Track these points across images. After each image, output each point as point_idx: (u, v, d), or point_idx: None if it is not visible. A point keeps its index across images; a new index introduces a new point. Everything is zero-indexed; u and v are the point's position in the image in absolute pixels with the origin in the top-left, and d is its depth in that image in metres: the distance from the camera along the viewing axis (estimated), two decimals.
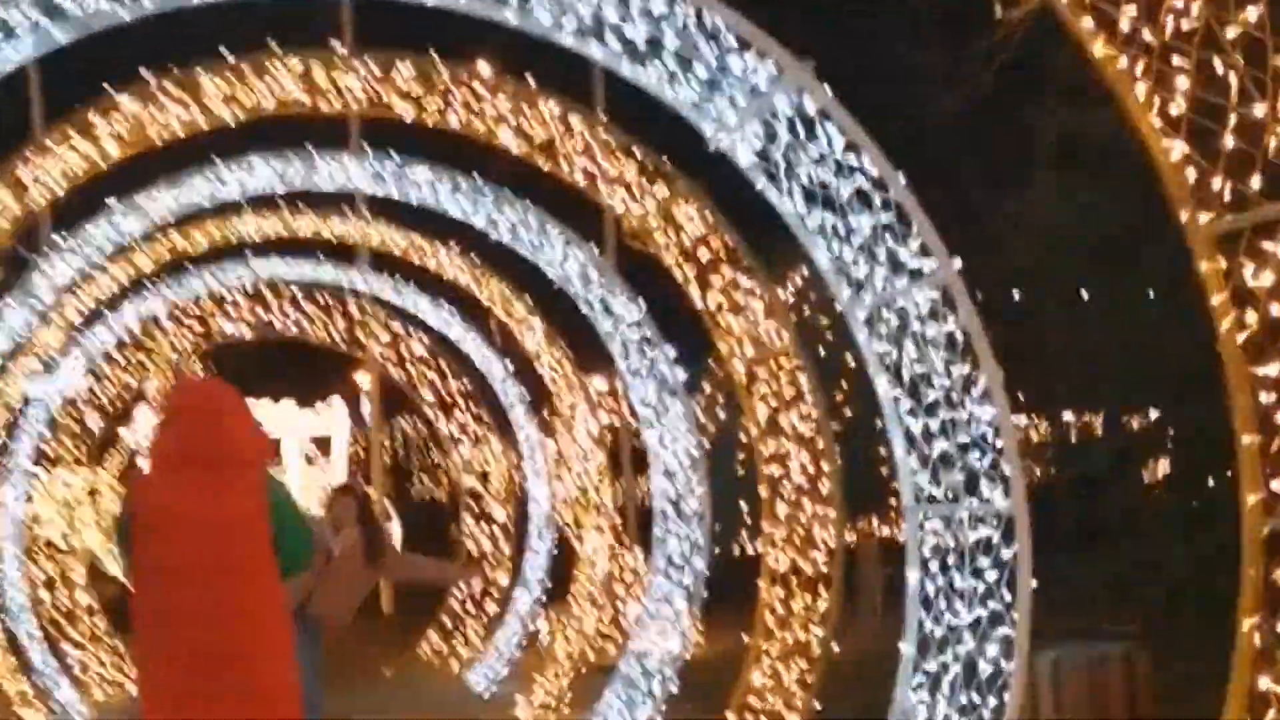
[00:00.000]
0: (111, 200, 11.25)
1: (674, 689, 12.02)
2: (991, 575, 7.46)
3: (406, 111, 9.81)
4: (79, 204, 11.20)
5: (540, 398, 16.61)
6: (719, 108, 7.79)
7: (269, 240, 14.93)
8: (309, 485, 34.81)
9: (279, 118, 10.21)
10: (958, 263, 7.35)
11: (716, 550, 18.58)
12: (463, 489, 19.15)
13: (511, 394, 16.88)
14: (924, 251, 7.42)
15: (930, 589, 7.94)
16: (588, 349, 14.13)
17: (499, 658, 16.76)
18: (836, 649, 9.98)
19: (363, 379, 34.70)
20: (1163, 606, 13.15)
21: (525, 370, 16.34)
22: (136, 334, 17.89)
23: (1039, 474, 24.34)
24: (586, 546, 15.17)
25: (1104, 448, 20.19)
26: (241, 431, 6.77)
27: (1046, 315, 15.72)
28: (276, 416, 35.33)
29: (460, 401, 18.66)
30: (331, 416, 34.69)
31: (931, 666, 7.89)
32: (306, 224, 14.28)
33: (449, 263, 14.60)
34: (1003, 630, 7.41)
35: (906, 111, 15.94)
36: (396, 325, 18.81)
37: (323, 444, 34.89)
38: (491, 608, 18.33)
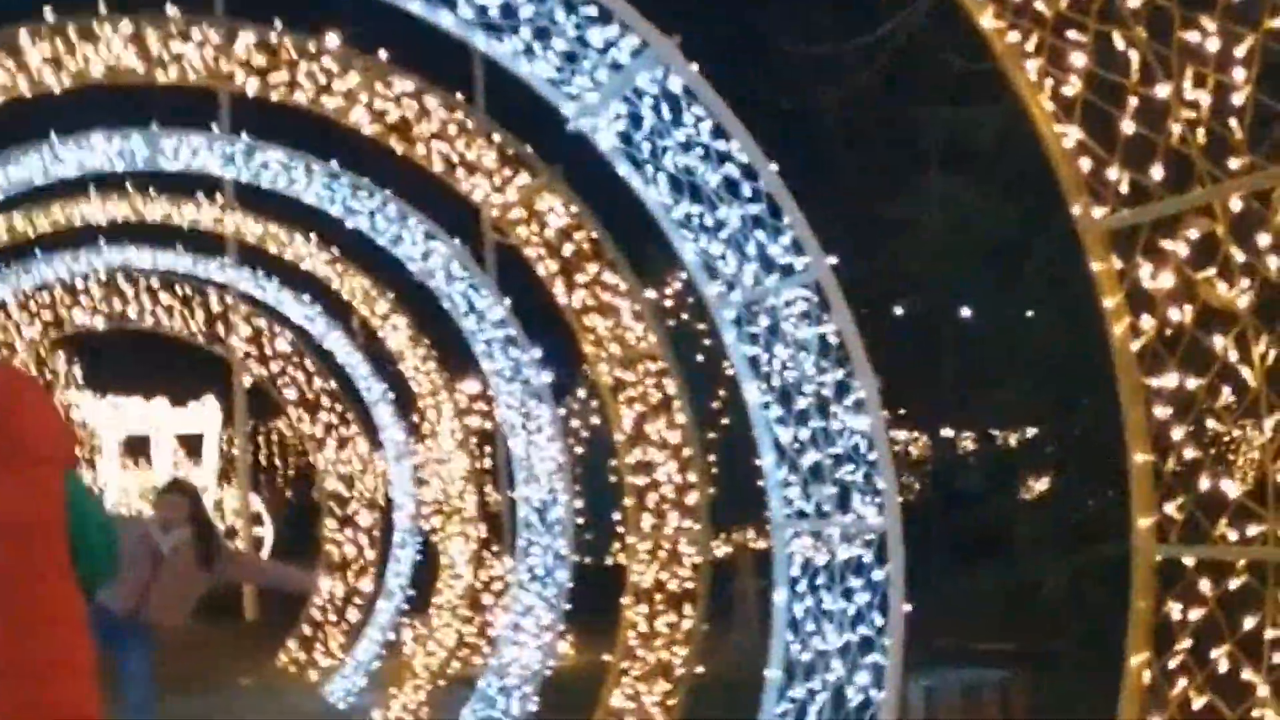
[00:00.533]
0: None
1: (533, 707, 11.37)
2: (863, 597, 6.91)
3: (250, 85, 9.08)
4: None
5: (407, 399, 15.87)
6: (579, 85, 7.17)
7: (123, 226, 14.09)
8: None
9: (126, 88, 9.45)
10: (832, 260, 6.80)
11: (589, 560, 18.01)
12: (326, 492, 18.32)
13: (375, 394, 16.15)
14: (796, 247, 6.86)
15: (798, 610, 7.38)
16: (458, 349, 13.42)
17: (357, 668, 16.00)
18: (701, 670, 9.40)
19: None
20: (1040, 627, 12.73)
21: (391, 370, 15.61)
22: None
23: (918, 488, 23.98)
24: (451, 555, 14.46)
25: (983, 461, 19.80)
26: (33, 424, 6.02)
27: (929, 322, 15.27)
28: (146, 413, 34.35)
29: (324, 401, 17.87)
30: (203, 414, 33.67)
31: (798, 693, 7.33)
32: (159, 209, 13.44)
33: (308, 255, 13.84)
34: (873, 657, 6.86)
35: (784, 102, 15.37)
36: (261, 320, 18.01)
37: (194, 442, 33.84)
38: (355, 616, 17.56)
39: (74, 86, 8.98)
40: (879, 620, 6.79)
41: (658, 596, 9.38)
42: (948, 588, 13.86)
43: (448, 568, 14.49)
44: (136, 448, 34.22)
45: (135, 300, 17.56)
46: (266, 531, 31.50)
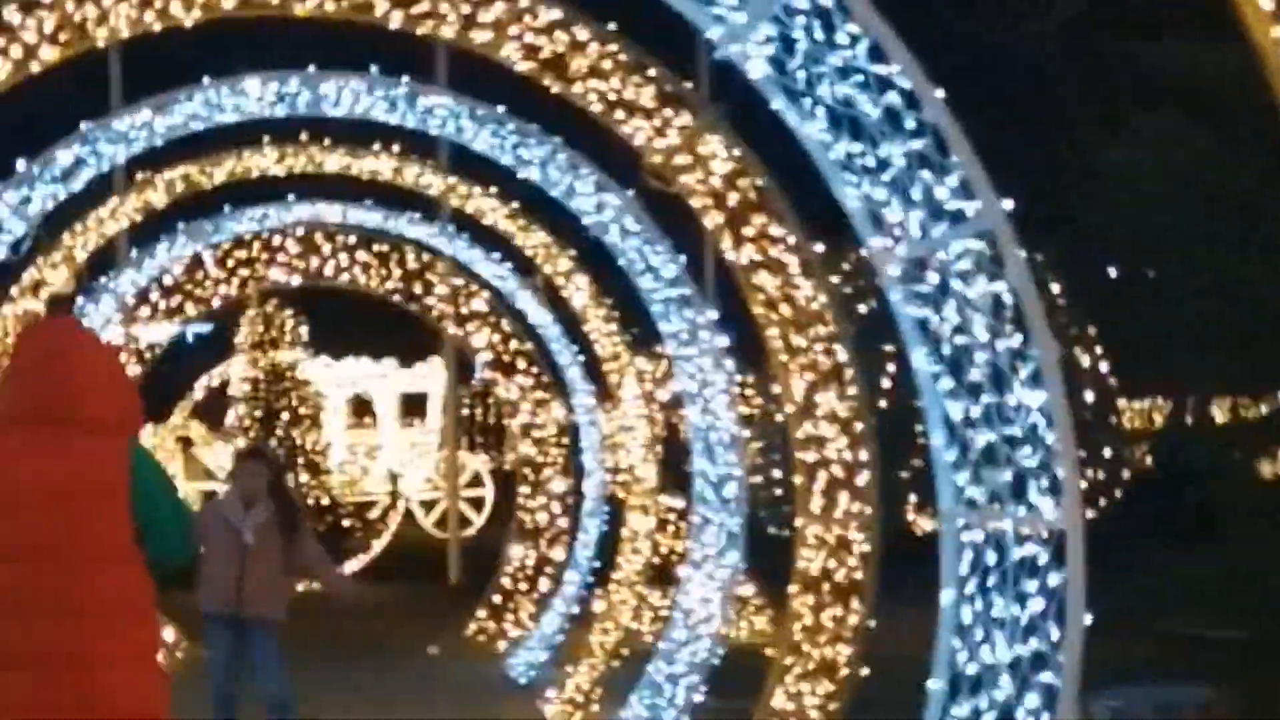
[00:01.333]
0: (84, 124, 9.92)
1: (700, 697, 10.56)
2: (1037, 604, 5.88)
3: (393, 18, 8.37)
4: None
5: (596, 363, 15.10)
6: (723, 3, 6.26)
7: (313, 179, 13.63)
8: (403, 447, 33.72)
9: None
10: (1008, 205, 5.76)
11: (786, 531, 17.08)
12: (520, 457, 17.76)
13: (566, 358, 15.45)
14: (966, 190, 5.84)
15: (966, 614, 6.38)
16: (641, 311, 12.57)
17: (540, 641, 15.38)
18: (867, 670, 8.42)
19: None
20: (1271, 617, 11.42)
21: (579, 331, 14.85)
22: (175, 279, 16.75)
23: (1135, 464, 22.40)
24: (633, 527, 13.69)
25: (1212, 435, 18.26)
26: (99, 386, 5.38)
27: (1145, 282, 13.88)
28: (372, 373, 34.26)
29: (519, 363, 17.27)
30: (428, 375, 33.45)
31: (962, 711, 6.34)
32: (336, 160, 12.93)
33: (490, 209, 13.18)
34: (1047, 675, 5.83)
35: (974, 32, 14.06)
36: (458, 279, 17.53)
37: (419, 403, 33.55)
38: (547, 585, 16.92)
39: (206, 20, 8.39)
40: (1055, 633, 5.75)
41: (825, 586, 8.43)
42: (1170, 568, 12.58)
43: (630, 540, 13.72)
44: (361, 409, 34.23)
45: (332, 257, 17.21)
46: (487, 492, 31.07)
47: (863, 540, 8.11)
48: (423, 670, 15.54)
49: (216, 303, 17.09)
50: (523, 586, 17.17)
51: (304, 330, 27.47)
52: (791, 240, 8.19)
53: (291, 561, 9.49)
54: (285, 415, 26.56)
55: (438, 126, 10.74)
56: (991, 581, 6.17)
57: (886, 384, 16.04)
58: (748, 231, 8.41)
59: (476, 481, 31.68)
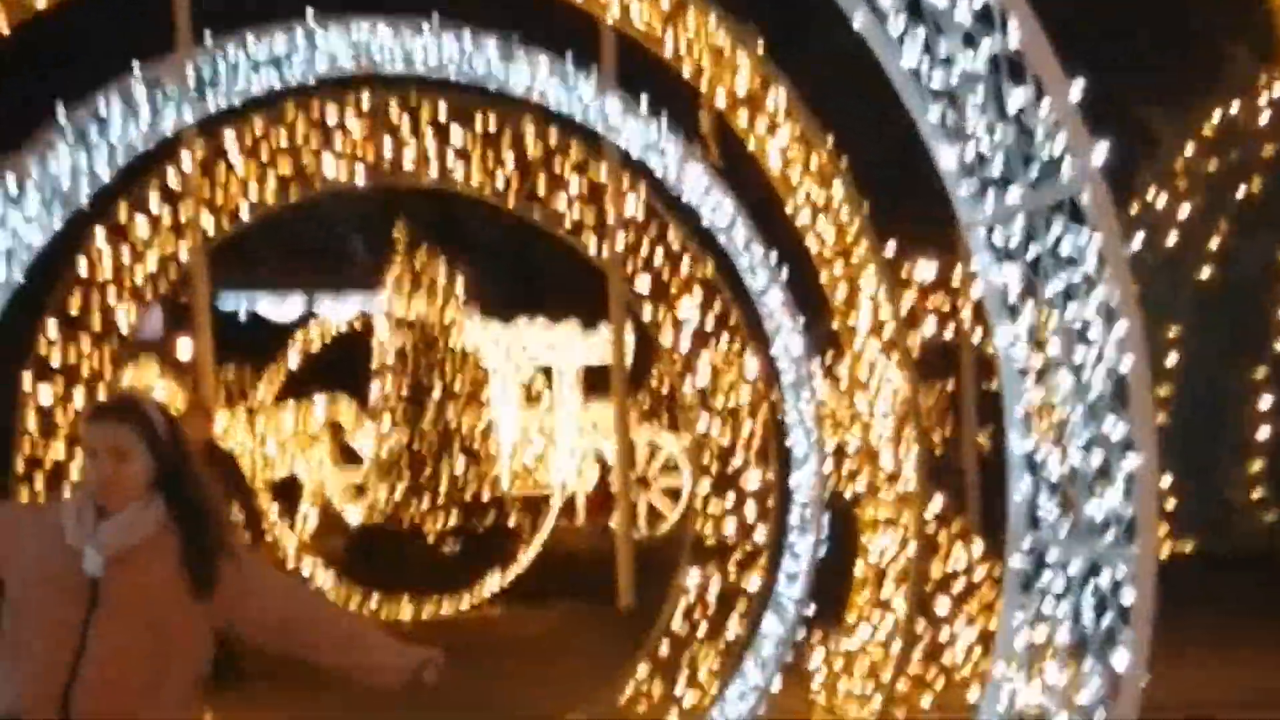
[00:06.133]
0: None
1: None
2: None
3: None
4: None
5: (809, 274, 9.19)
6: None
7: None
8: (586, 424, 29.37)
9: None
10: None
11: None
12: (697, 438, 12.05)
13: (762, 278, 9.57)
14: None
15: None
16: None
17: None
18: None
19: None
20: None
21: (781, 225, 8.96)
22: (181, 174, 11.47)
23: None
24: (870, 561, 7.84)
25: None
26: None
27: None
28: (549, 340, 29.88)
29: (695, 295, 11.59)
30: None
31: None
32: None
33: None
34: None
35: None
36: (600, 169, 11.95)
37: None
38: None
39: None
40: None
41: None
42: None
43: (867, 581, 7.86)
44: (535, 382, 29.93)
45: (413, 138, 11.75)
46: (684, 481, 25.82)
47: None
48: None
49: (245, 214, 11.70)
50: (701, 631, 11.53)
51: (462, 286, 22.63)
52: None
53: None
54: (437, 391, 21.81)
55: None
56: None
57: None
58: None
59: (672, 468, 27.25)
